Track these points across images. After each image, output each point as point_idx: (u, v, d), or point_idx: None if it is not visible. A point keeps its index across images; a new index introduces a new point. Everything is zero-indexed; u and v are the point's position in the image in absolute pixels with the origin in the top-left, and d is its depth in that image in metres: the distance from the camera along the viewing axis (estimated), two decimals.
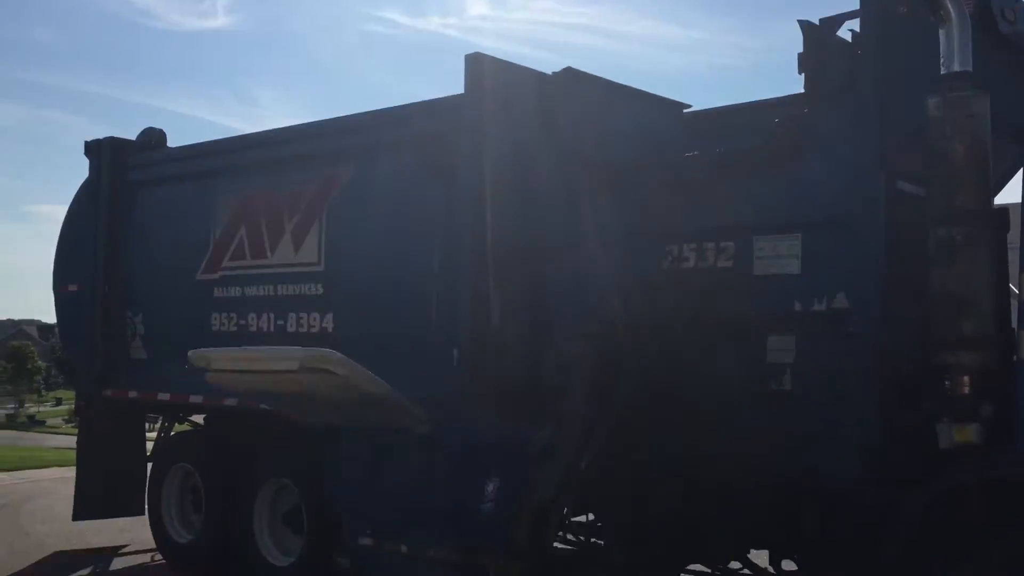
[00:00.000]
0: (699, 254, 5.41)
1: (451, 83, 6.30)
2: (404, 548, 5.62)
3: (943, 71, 4.48)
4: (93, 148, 8.82)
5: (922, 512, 4.32)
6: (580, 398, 5.21)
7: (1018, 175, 5.13)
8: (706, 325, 5.31)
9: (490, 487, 4.38)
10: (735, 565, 5.83)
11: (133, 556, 8.69)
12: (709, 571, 5.86)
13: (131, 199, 8.62)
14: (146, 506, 8.64)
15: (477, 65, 5.97)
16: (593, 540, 6.86)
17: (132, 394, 8.40)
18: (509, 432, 5.06)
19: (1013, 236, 4.77)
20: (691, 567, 6.05)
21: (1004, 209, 4.90)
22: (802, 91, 5.34)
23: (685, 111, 6.97)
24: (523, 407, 5.56)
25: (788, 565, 5.49)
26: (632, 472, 5.45)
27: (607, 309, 5.51)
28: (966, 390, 4.37)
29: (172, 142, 8.97)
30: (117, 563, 8.51)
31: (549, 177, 5.91)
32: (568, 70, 6.13)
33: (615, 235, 5.68)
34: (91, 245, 8.61)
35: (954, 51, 4.46)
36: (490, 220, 5.84)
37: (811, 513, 4.87)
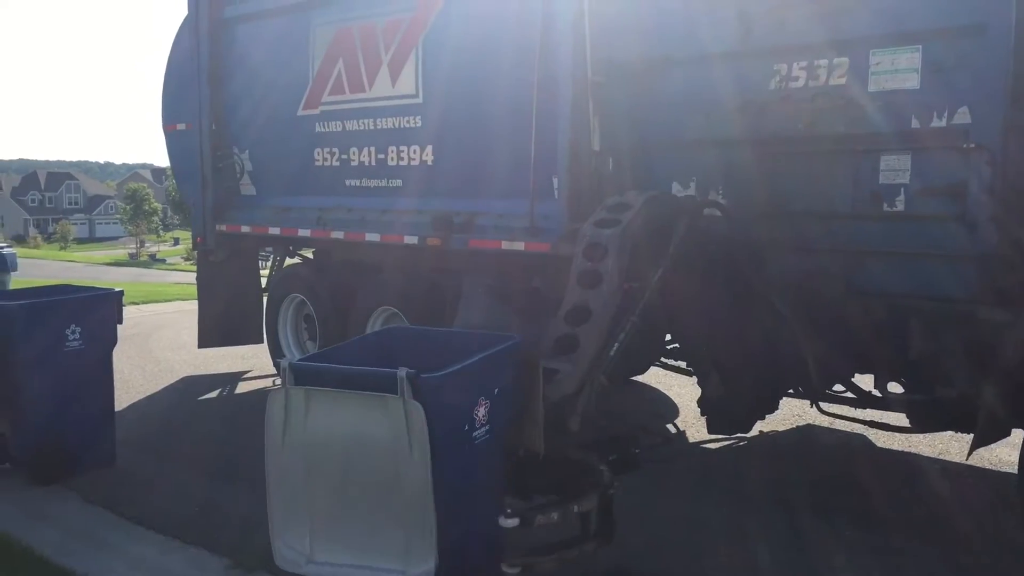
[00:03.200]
0: (810, 72, 5.15)
1: None
2: None
3: None
4: None
5: None
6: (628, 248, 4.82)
7: None
8: (816, 146, 5.12)
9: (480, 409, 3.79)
10: (838, 389, 5.85)
11: (255, 381, 9.23)
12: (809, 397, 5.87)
13: (230, 36, 8.63)
14: (264, 335, 9.14)
15: None
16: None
17: (244, 229, 8.70)
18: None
19: None
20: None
21: None
22: None
23: None
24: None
25: (894, 388, 5.49)
26: (729, 296, 5.42)
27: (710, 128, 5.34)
28: None
29: None
30: (242, 387, 9.05)
31: None
32: None
33: (721, 52, 5.45)
34: (195, 84, 8.72)
35: None
36: (588, 41, 5.67)
37: (922, 333, 4.79)
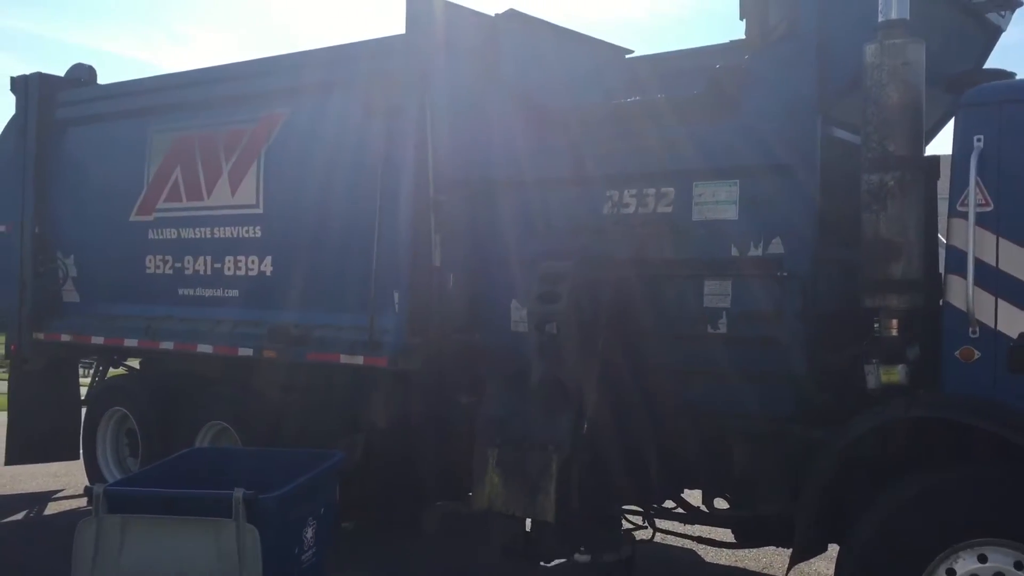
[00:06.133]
0: (640, 200, 5.44)
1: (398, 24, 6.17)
2: None
3: (880, 19, 4.54)
4: (20, 84, 8.51)
5: (844, 450, 4.47)
6: (574, 321, 5.21)
7: (950, 124, 5.24)
8: (646, 270, 5.36)
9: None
10: (669, 504, 5.98)
11: (68, 501, 8.59)
12: (643, 511, 5.98)
13: (60, 137, 8.36)
14: (81, 451, 8.56)
15: (418, 4, 5.89)
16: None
17: (65, 337, 8.24)
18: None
19: (943, 185, 4.88)
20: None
21: (935, 158, 5.02)
22: (743, 38, 5.38)
23: (627, 56, 6.97)
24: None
25: (720, 504, 5.66)
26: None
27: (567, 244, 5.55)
28: (894, 332, 4.51)
29: (103, 81, 8.71)
30: (52, 507, 8.41)
31: (492, 118, 5.90)
32: (511, 11, 6.09)
33: (558, 178, 5.69)
34: (19, 184, 8.35)
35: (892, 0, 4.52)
36: (431, 161, 5.81)
37: (743, 452, 5.01)
